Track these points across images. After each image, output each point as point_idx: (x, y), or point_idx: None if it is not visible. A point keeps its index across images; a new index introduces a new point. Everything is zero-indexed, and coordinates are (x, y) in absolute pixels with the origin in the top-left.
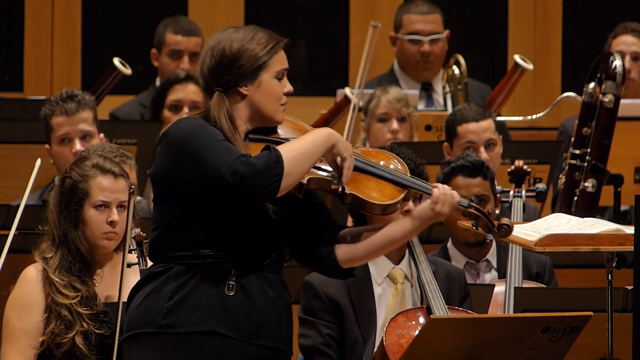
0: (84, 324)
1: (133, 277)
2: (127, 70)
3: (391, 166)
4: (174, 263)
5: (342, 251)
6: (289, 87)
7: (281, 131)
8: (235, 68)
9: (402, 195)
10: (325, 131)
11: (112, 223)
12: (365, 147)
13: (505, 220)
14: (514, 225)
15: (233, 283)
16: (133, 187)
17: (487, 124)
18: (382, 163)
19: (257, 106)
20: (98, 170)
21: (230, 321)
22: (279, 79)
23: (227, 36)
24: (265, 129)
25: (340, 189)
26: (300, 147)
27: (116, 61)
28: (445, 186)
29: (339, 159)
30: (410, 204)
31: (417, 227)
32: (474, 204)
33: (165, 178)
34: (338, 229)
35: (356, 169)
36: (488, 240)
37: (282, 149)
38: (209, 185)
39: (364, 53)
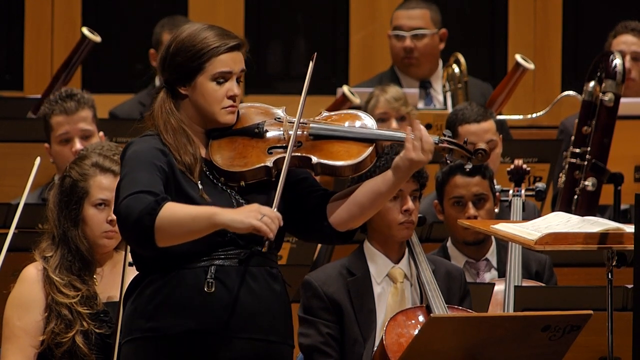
0: (84, 323)
1: (133, 275)
2: (97, 38)
3: (357, 124)
4: (154, 269)
5: (334, 216)
6: (232, 91)
7: (252, 117)
8: (172, 67)
9: (369, 150)
10: (209, 212)
11: (112, 222)
12: (328, 113)
13: (481, 145)
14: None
15: (212, 280)
16: None
17: (489, 125)
18: (346, 124)
19: (198, 108)
20: (98, 169)
21: (213, 318)
22: (219, 82)
23: (179, 32)
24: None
25: (313, 165)
26: (181, 214)
27: (85, 30)
28: (421, 128)
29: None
30: (410, 203)
31: (399, 177)
32: (444, 138)
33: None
34: (327, 195)
35: (318, 136)
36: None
37: (170, 205)
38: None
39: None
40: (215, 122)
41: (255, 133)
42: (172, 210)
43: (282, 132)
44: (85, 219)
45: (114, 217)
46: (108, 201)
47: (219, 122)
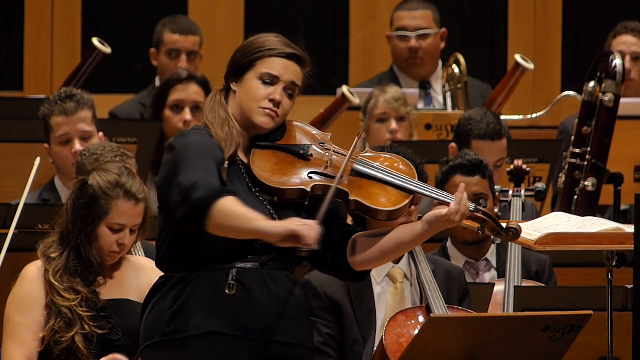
0: (85, 326)
1: (133, 274)
2: (107, 49)
3: (400, 169)
4: (175, 271)
5: (354, 256)
6: (274, 95)
7: (298, 137)
8: (230, 62)
9: (407, 201)
10: (255, 216)
11: (121, 245)
12: (373, 152)
13: (513, 224)
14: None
15: (233, 282)
16: None
17: (502, 143)
18: (389, 168)
19: (240, 105)
20: (122, 192)
21: (233, 320)
22: (265, 83)
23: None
24: (272, 134)
25: (344, 198)
26: (240, 213)
27: (95, 41)
28: (463, 197)
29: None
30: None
31: (427, 231)
32: (481, 208)
33: (161, 188)
34: (350, 233)
35: (361, 174)
36: (495, 244)
37: (233, 199)
38: (172, 194)
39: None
40: (251, 122)
41: (300, 154)
42: (232, 204)
43: (325, 160)
44: (97, 235)
45: (125, 242)
46: (124, 226)
47: (254, 122)
